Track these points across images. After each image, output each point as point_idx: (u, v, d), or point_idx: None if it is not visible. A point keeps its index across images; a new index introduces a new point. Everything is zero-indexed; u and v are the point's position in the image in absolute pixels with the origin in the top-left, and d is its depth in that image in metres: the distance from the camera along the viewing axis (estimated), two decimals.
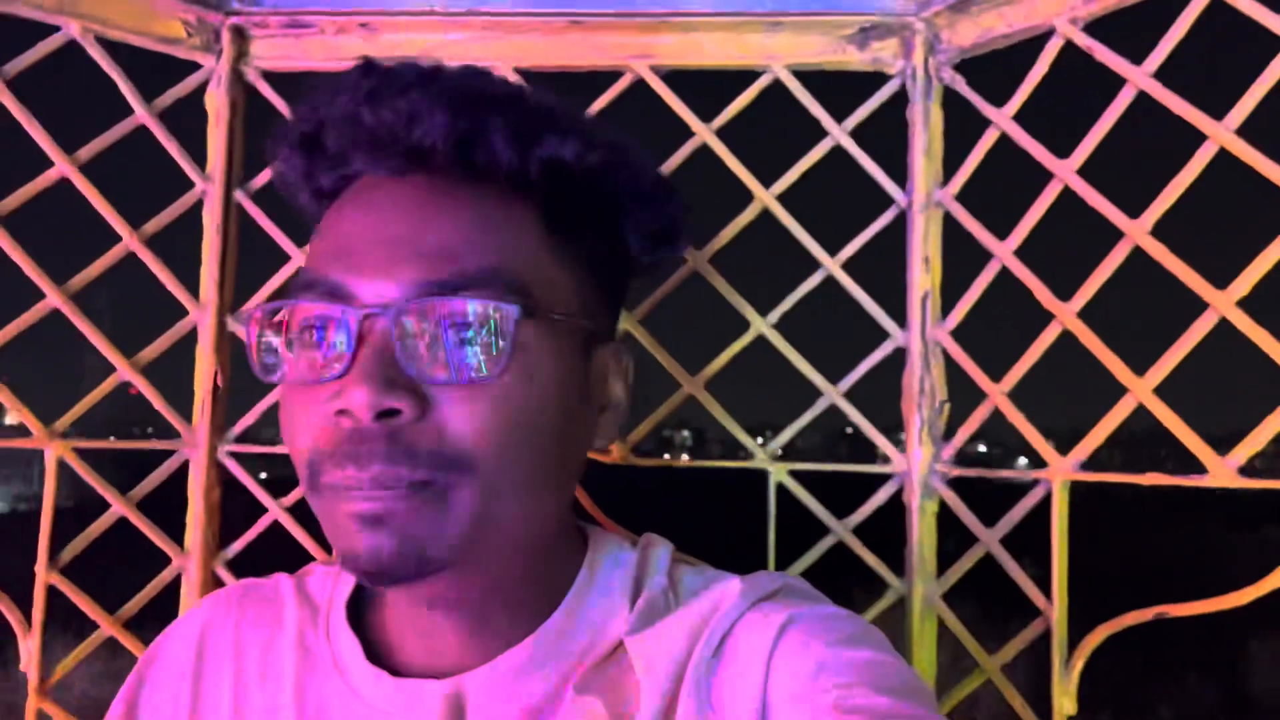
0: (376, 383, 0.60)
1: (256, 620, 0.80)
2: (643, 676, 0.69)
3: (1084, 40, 0.98)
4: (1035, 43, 1.01)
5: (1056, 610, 0.95)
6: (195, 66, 1.15)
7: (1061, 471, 0.96)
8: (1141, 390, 0.91)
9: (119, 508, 1.08)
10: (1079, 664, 0.95)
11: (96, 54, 1.09)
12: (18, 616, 1.03)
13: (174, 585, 1.11)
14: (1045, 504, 0.97)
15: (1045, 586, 0.96)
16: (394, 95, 0.66)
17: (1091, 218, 0.96)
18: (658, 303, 1.13)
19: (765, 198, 1.12)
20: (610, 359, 0.75)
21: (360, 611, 0.79)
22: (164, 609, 1.05)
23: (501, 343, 0.62)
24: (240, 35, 1.16)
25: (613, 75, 1.15)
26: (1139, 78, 0.93)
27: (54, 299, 1.06)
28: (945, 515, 1.06)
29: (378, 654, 0.74)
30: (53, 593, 1.04)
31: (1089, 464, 0.96)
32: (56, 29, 1.07)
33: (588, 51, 1.15)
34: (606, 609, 0.73)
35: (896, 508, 1.08)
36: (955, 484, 1.06)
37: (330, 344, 0.64)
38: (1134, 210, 0.92)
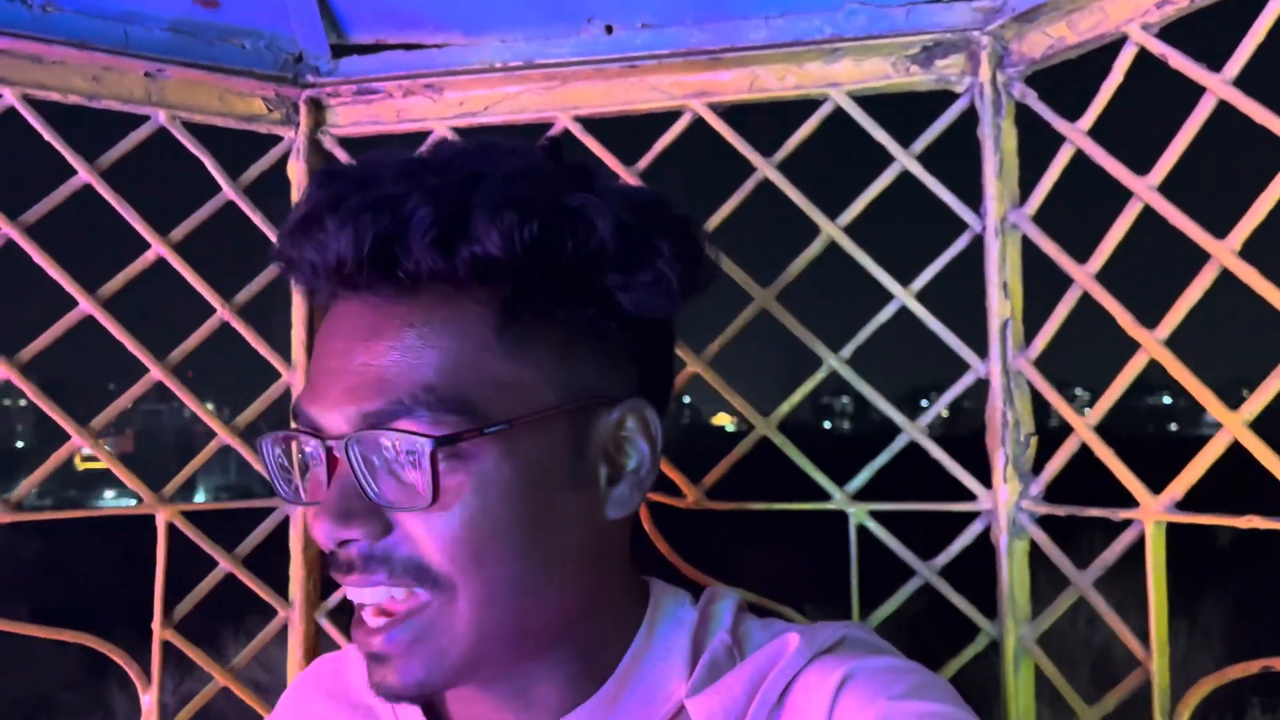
0: (333, 515, 0.63)
1: (331, 693, 0.83)
2: None
3: (1158, 47, 0.91)
4: (1103, 53, 0.95)
5: (1155, 660, 0.89)
6: (274, 140, 1.20)
7: (1153, 512, 0.90)
8: (1234, 424, 0.84)
9: (225, 565, 1.15)
10: (1185, 716, 0.88)
11: (184, 138, 1.15)
12: (137, 671, 1.10)
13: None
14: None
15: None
16: (314, 219, 0.64)
17: (1173, 234, 0.90)
18: (727, 342, 1.11)
19: (832, 230, 1.08)
20: (625, 422, 0.70)
21: None
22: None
23: (428, 472, 0.61)
24: (317, 106, 1.21)
25: (672, 115, 1.15)
26: (1218, 85, 0.86)
27: (157, 373, 1.13)
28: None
29: (441, 717, 0.76)
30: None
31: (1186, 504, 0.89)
32: (146, 118, 1.14)
33: (645, 94, 1.14)
34: (665, 672, 0.73)
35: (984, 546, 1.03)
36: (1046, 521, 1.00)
37: (315, 470, 0.68)
38: (1219, 229, 0.85)
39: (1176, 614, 0.90)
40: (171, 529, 1.12)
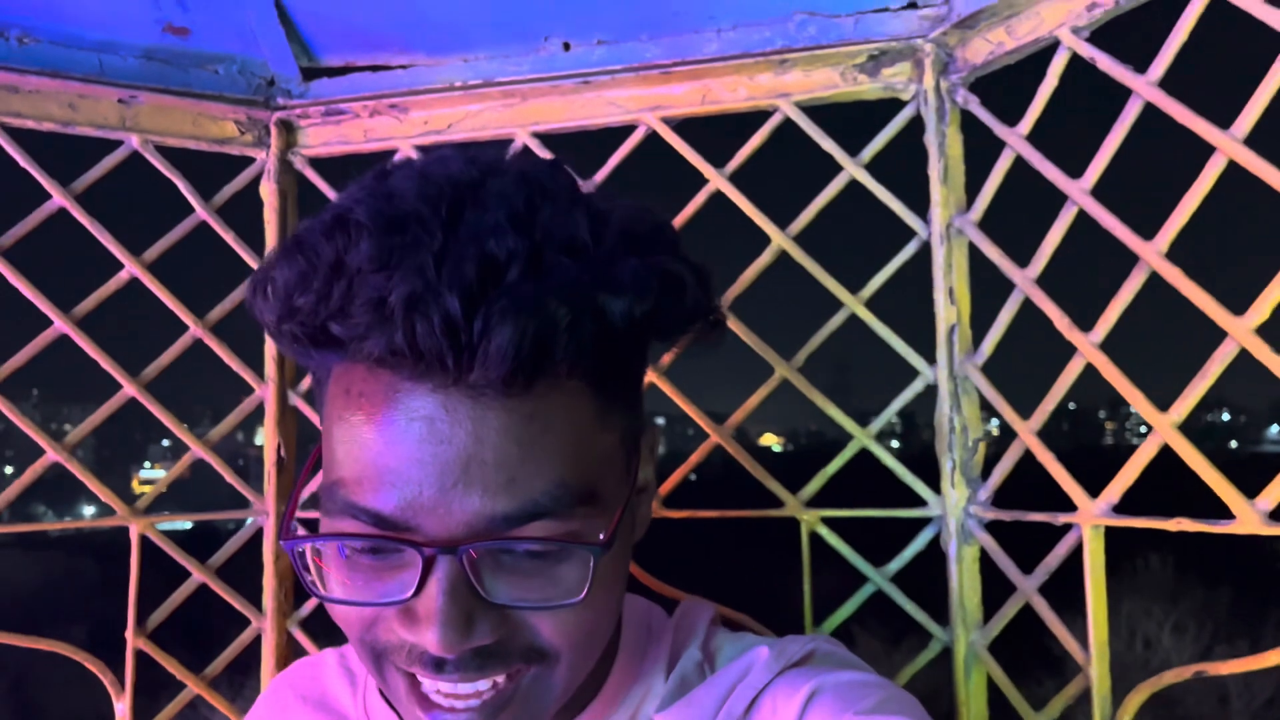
0: (455, 624, 0.56)
1: (305, 696, 0.85)
2: None
3: (1087, 50, 0.91)
4: (1042, 57, 0.95)
5: (1095, 666, 0.88)
6: (246, 161, 1.24)
7: (1090, 516, 0.89)
8: (1164, 428, 0.83)
9: (198, 575, 1.18)
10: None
11: (157, 162, 1.19)
12: (112, 679, 1.13)
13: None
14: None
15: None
16: (443, 295, 0.54)
17: (1111, 238, 0.89)
18: (682, 352, 1.12)
19: (782, 240, 1.09)
20: (644, 451, 0.70)
21: None
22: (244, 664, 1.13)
23: (585, 575, 0.58)
24: (287, 128, 1.25)
25: (628, 129, 1.16)
26: (1144, 87, 0.86)
27: (130, 389, 1.16)
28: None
29: None
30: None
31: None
32: (119, 143, 1.18)
33: (601, 109, 1.16)
34: (644, 689, 0.74)
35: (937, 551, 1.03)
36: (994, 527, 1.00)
37: (394, 572, 0.60)
38: (1149, 230, 0.85)
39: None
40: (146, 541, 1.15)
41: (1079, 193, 0.91)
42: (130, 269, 1.17)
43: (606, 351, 0.60)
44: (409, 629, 0.59)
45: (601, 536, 0.60)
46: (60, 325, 1.12)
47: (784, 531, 1.09)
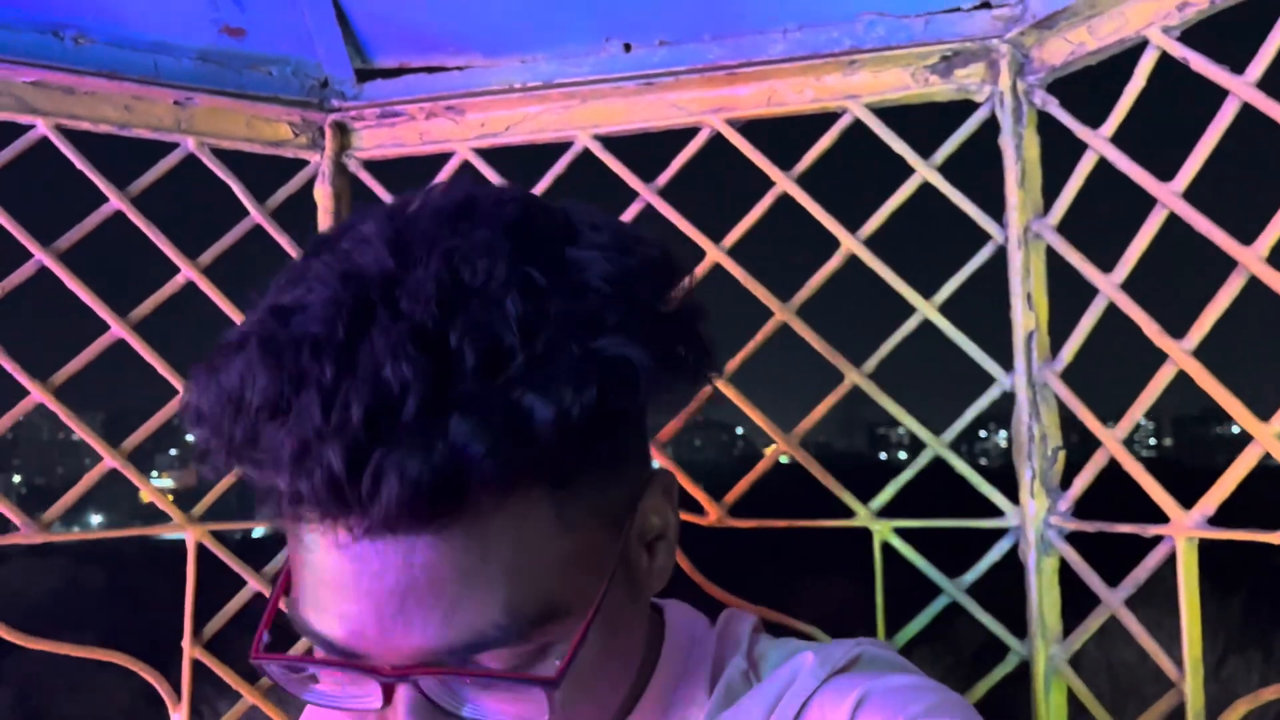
0: None
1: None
2: None
3: (1179, 50, 0.89)
4: (1124, 58, 0.93)
5: (1189, 682, 0.86)
6: (300, 164, 1.22)
7: (1184, 529, 0.87)
8: (1266, 438, 0.81)
9: (254, 584, 1.16)
10: None
11: (212, 164, 1.18)
12: (168, 689, 1.11)
13: None
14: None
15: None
16: (314, 451, 0.50)
17: (1201, 242, 0.87)
18: (748, 356, 1.10)
19: (852, 244, 1.07)
20: (649, 508, 0.66)
21: None
22: None
23: (544, 704, 0.55)
24: (342, 130, 1.23)
25: (691, 131, 1.14)
26: (1241, 88, 0.84)
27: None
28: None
29: None
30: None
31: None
32: (174, 146, 1.17)
33: (664, 111, 1.14)
34: (688, 699, 0.72)
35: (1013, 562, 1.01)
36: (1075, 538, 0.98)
37: (358, 694, 0.59)
38: (1248, 236, 0.83)
39: None
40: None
41: (1170, 195, 0.89)
42: (187, 273, 1.15)
43: (554, 455, 0.53)
44: None
45: (557, 664, 0.56)
46: (117, 330, 1.11)
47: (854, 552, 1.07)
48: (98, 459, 1.12)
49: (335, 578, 0.54)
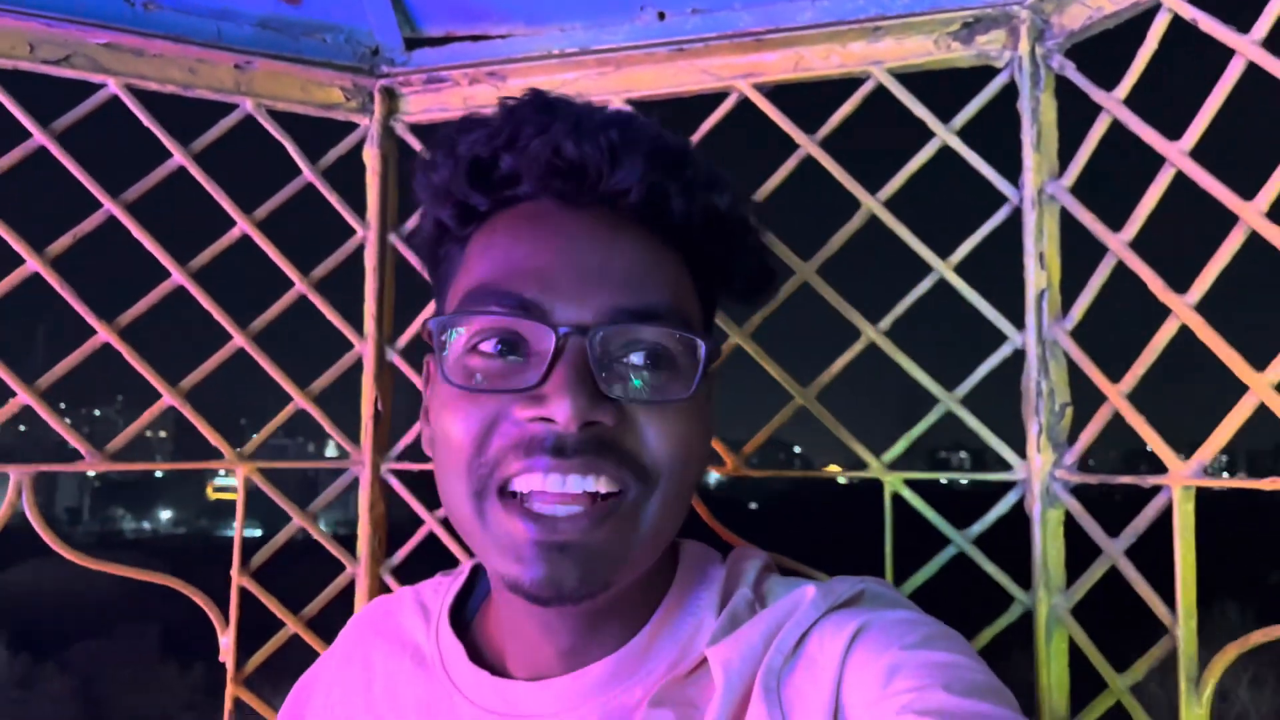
0: (583, 395, 0.64)
1: (381, 632, 0.89)
2: (719, 684, 0.72)
3: (1189, 12, 0.91)
4: (1136, 24, 0.95)
5: (1182, 627, 0.88)
6: (350, 127, 1.29)
7: (1180, 478, 0.89)
8: (1261, 387, 0.83)
9: (298, 520, 1.23)
10: (1210, 684, 0.88)
11: (269, 125, 1.25)
12: (218, 614, 1.19)
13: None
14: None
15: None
16: (594, 131, 0.70)
17: (1209, 202, 0.89)
18: (768, 315, 1.14)
19: (872, 204, 1.11)
20: (711, 372, 0.77)
21: (464, 616, 0.86)
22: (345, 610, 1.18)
23: (696, 369, 0.69)
24: (390, 95, 1.29)
25: (720, 96, 1.19)
26: (1246, 46, 0.86)
27: (239, 340, 1.22)
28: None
29: (482, 655, 0.81)
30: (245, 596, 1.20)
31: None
32: (234, 107, 1.24)
33: (694, 76, 1.19)
34: (694, 626, 0.76)
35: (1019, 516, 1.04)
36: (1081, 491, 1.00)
37: (525, 355, 0.68)
38: (1247, 192, 0.85)
39: None
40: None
41: (1178, 154, 0.91)
42: (242, 226, 1.22)
43: (700, 238, 0.74)
44: (535, 408, 0.65)
45: (714, 343, 0.71)
46: (178, 277, 1.19)
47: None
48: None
49: (544, 250, 0.69)
